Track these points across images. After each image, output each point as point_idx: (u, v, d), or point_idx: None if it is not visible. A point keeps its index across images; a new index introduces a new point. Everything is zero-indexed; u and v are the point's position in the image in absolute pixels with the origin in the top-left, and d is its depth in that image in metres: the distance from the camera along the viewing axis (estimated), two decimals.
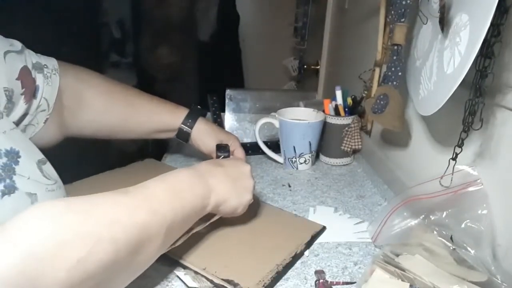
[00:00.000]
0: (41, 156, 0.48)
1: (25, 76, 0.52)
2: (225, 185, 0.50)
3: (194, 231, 0.52)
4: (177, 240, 0.48)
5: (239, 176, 0.53)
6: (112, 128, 0.68)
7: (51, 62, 0.60)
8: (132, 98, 0.69)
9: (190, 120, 0.71)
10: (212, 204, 0.48)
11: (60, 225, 0.31)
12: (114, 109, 0.67)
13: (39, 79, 0.56)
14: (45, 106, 0.57)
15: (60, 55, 0.62)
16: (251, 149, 0.89)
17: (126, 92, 0.69)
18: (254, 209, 0.65)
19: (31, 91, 0.54)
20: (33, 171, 0.44)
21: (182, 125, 0.71)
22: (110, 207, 0.36)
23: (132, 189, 0.40)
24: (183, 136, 0.72)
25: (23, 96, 0.52)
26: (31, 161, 0.45)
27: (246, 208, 0.54)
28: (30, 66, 0.54)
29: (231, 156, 0.70)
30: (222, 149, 0.67)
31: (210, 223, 0.54)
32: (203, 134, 0.71)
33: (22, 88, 0.52)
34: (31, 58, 0.56)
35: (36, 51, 0.58)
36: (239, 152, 0.73)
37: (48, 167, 0.48)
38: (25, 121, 0.55)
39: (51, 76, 0.58)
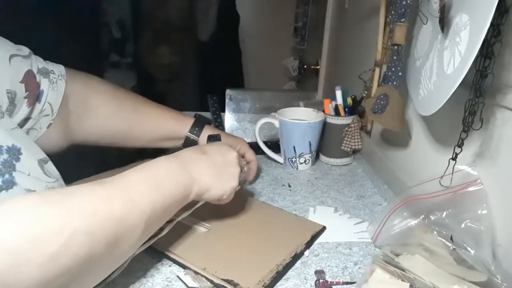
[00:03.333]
0: (43, 155, 0.48)
1: (29, 80, 0.53)
2: (208, 174, 0.48)
3: (179, 219, 0.52)
4: (161, 231, 0.48)
5: (223, 164, 0.51)
6: (117, 134, 0.68)
7: (59, 68, 0.60)
8: (139, 105, 0.69)
9: (196, 128, 0.71)
10: (195, 193, 0.47)
11: (32, 218, 0.29)
12: (120, 115, 0.67)
13: (44, 84, 0.56)
14: (49, 111, 0.58)
15: (60, 55, 0.63)
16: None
17: (133, 99, 0.69)
18: (254, 209, 0.65)
19: (34, 95, 0.54)
20: (33, 168, 0.45)
21: (189, 133, 0.71)
22: (86, 198, 0.34)
23: (110, 180, 0.38)
24: (190, 145, 0.71)
25: (26, 100, 0.52)
26: (32, 159, 0.45)
27: (232, 195, 0.53)
28: (35, 71, 0.54)
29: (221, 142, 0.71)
30: (213, 139, 0.66)
31: (195, 209, 0.54)
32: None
33: (26, 91, 0.52)
34: (38, 63, 0.56)
35: (36, 51, 0.58)
36: (250, 154, 0.73)
37: (50, 166, 0.49)
38: (28, 125, 0.55)
39: (56, 81, 0.58)
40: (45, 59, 0.59)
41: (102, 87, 0.66)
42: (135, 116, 0.68)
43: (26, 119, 0.54)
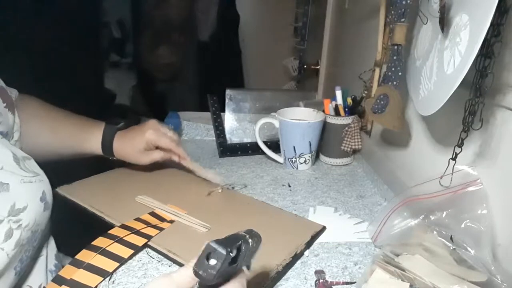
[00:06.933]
0: (23, 154, 0.50)
1: (3, 94, 0.56)
2: None
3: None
4: (160, 230, 0.49)
5: None
6: (45, 151, 0.65)
7: (14, 90, 0.63)
8: (56, 125, 0.67)
9: (107, 151, 0.68)
10: None
11: None
12: (42, 134, 0.65)
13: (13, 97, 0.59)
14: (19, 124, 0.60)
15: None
16: (251, 149, 0.89)
17: (53, 118, 0.67)
18: (254, 209, 0.65)
19: (11, 105, 0.57)
20: (7, 162, 0.46)
21: (104, 155, 0.68)
22: None
23: None
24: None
25: (7, 109, 0.55)
26: (6, 153, 0.47)
27: None
28: (4, 87, 0.58)
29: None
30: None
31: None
32: (124, 156, 0.69)
33: (4, 102, 0.55)
34: (2, 83, 0.59)
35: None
36: (179, 152, 0.70)
37: (31, 163, 0.50)
38: (15, 137, 0.58)
39: (16, 98, 0.62)
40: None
41: (30, 104, 0.65)
42: (53, 136, 0.66)
43: (13, 126, 0.57)
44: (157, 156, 0.69)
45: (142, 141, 0.67)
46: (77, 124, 0.69)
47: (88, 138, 0.67)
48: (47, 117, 0.66)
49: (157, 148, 0.69)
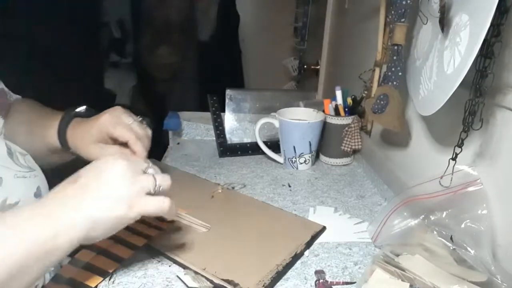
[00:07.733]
0: (19, 149, 0.50)
1: (1, 96, 0.56)
2: (85, 205, 0.37)
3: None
4: (160, 230, 0.48)
5: (105, 180, 0.39)
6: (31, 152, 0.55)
7: (15, 95, 0.62)
8: (32, 121, 0.60)
9: (63, 142, 0.56)
10: (68, 241, 0.36)
11: None
12: (21, 133, 0.59)
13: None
14: None
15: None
16: (251, 149, 0.89)
17: (28, 114, 0.60)
18: (254, 209, 0.65)
19: (5, 109, 0.57)
20: (1, 156, 0.46)
21: (62, 148, 0.57)
22: None
23: None
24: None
25: None
26: (0, 148, 0.47)
27: (160, 204, 0.43)
28: (5, 90, 0.58)
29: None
30: None
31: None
32: (76, 147, 0.56)
33: None
34: (2, 85, 0.59)
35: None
36: (136, 147, 0.54)
37: (27, 158, 0.50)
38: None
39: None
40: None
41: (17, 102, 0.62)
42: (29, 134, 0.58)
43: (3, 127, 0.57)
44: (111, 152, 0.54)
45: (93, 128, 0.53)
46: (46, 117, 0.59)
47: (48, 129, 0.56)
48: (27, 114, 0.60)
49: (114, 142, 0.55)
